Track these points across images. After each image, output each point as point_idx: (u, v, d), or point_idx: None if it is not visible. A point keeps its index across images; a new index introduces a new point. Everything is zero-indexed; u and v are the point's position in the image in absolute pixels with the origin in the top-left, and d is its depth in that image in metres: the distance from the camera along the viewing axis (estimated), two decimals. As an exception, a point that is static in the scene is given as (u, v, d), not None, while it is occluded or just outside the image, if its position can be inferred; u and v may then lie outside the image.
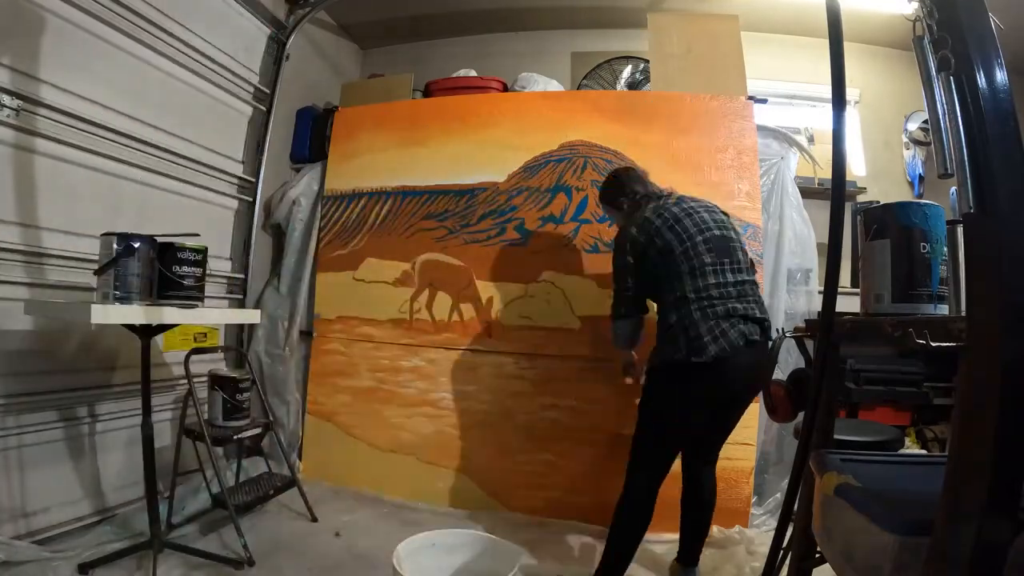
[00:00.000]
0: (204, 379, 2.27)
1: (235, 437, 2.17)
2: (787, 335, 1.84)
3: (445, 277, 2.76)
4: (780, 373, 1.86)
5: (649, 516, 1.74)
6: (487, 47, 3.62)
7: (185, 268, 1.77)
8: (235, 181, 2.87)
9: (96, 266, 1.65)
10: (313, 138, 3.18)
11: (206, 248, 1.86)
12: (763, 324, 1.74)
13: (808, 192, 2.82)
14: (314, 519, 2.31)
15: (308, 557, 2.01)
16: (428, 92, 3.13)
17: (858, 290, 2.92)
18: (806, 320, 2.23)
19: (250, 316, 2.64)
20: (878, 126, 3.36)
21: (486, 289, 2.69)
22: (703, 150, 2.58)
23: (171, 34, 2.34)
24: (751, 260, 1.87)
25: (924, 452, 2.50)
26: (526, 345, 2.61)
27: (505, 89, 3.05)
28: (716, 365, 1.64)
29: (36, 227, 1.93)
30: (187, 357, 2.14)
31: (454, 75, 3.14)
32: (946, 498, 0.77)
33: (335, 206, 2.99)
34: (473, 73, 3.14)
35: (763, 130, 2.63)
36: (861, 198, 3.17)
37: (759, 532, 2.29)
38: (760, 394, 1.87)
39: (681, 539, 1.95)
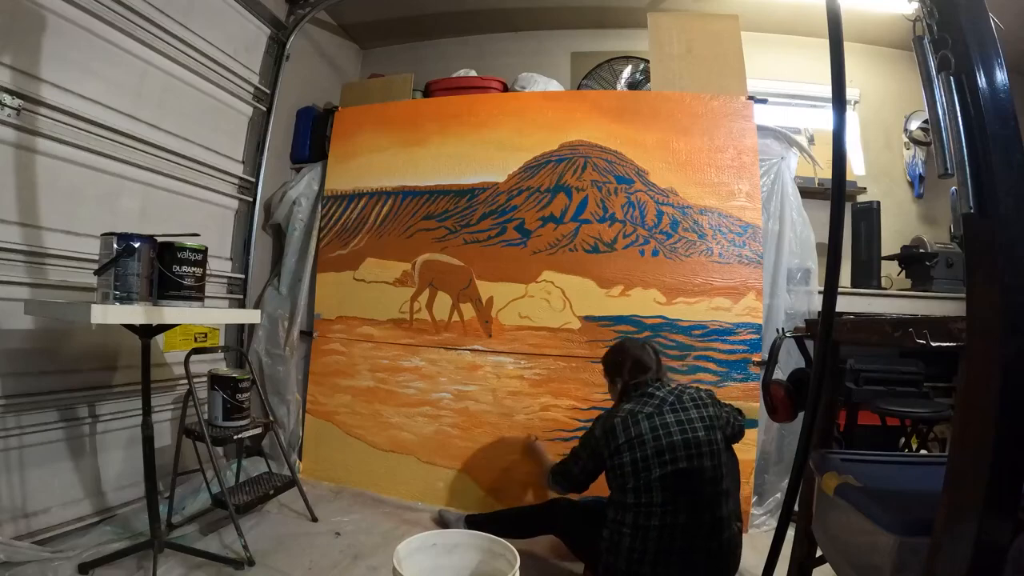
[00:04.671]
0: (204, 379, 2.26)
1: (235, 437, 2.16)
2: (787, 335, 1.84)
3: (445, 277, 2.76)
4: (780, 373, 1.87)
5: None
6: (487, 47, 3.62)
7: (185, 268, 1.76)
8: (235, 181, 2.88)
9: (96, 266, 1.64)
10: (313, 138, 3.18)
11: (206, 248, 1.86)
12: None
13: (808, 192, 2.82)
14: (314, 519, 2.31)
15: (308, 557, 2.01)
16: (428, 92, 3.13)
17: (858, 290, 2.92)
18: (806, 320, 2.24)
19: (250, 316, 2.64)
20: (878, 126, 3.36)
21: (486, 289, 2.69)
22: (703, 150, 2.58)
23: (171, 34, 2.34)
24: None
25: (924, 452, 2.50)
26: (526, 345, 2.61)
27: (505, 89, 3.05)
28: None
29: (37, 227, 1.94)
30: (187, 357, 2.14)
31: (454, 75, 3.14)
32: (946, 498, 0.77)
33: (335, 206, 2.99)
34: (473, 73, 3.14)
35: (763, 130, 2.63)
36: (861, 198, 3.17)
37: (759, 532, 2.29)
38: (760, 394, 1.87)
39: None
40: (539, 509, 2.05)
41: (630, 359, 1.89)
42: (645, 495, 1.66)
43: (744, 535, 2.30)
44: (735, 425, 1.86)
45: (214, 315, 2.41)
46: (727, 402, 1.93)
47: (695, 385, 1.89)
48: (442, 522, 2.32)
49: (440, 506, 2.54)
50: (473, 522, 2.11)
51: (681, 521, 1.63)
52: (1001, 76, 0.73)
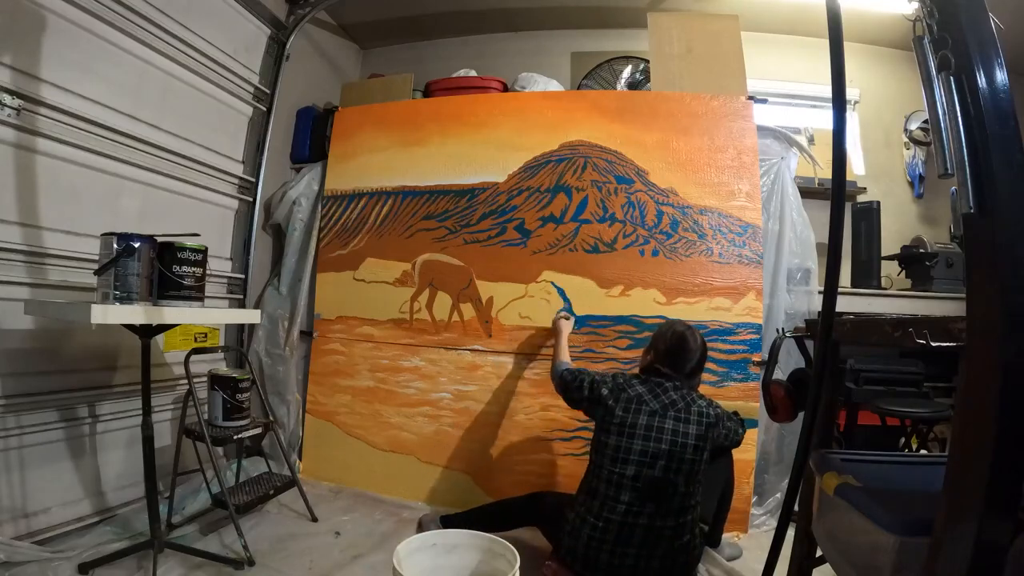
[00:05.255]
0: (204, 379, 2.26)
1: (235, 437, 2.16)
2: (787, 335, 1.84)
3: (445, 277, 2.76)
4: (780, 373, 1.87)
5: None
6: (487, 47, 3.61)
7: (185, 268, 1.77)
8: (235, 181, 2.88)
9: (96, 266, 1.65)
10: (313, 138, 3.18)
11: (206, 248, 1.86)
12: None
13: (808, 192, 2.82)
14: (314, 519, 2.31)
15: (308, 557, 2.01)
16: (428, 92, 3.13)
17: (858, 290, 2.93)
18: (806, 320, 2.24)
19: (250, 316, 2.64)
20: (878, 126, 3.36)
21: (486, 289, 2.69)
22: (703, 150, 2.58)
23: (171, 34, 2.34)
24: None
25: (924, 452, 2.50)
26: (526, 345, 2.61)
27: (505, 89, 3.05)
28: None
29: (37, 227, 1.94)
30: (187, 357, 2.14)
31: (454, 75, 3.13)
32: (946, 498, 0.77)
33: (335, 206, 2.99)
34: (473, 73, 3.14)
35: (763, 130, 2.63)
36: (861, 198, 3.17)
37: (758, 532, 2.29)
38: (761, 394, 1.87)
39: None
40: (522, 502, 2.06)
41: (668, 350, 1.86)
42: (615, 489, 1.70)
43: (744, 535, 2.32)
44: (733, 440, 1.87)
45: (214, 315, 2.40)
46: (732, 411, 1.92)
47: (710, 398, 1.87)
48: (421, 529, 2.20)
49: (440, 507, 2.55)
50: (448, 523, 2.09)
51: (642, 523, 1.67)
52: (1001, 76, 0.73)
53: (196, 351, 2.22)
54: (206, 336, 2.43)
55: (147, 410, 1.81)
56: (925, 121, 3.01)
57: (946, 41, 0.76)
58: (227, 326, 2.88)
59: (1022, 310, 0.68)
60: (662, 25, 2.79)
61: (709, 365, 2.42)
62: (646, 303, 2.51)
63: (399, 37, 3.75)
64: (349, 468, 2.75)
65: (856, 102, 3.32)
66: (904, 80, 3.27)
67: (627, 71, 3.10)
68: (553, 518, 1.90)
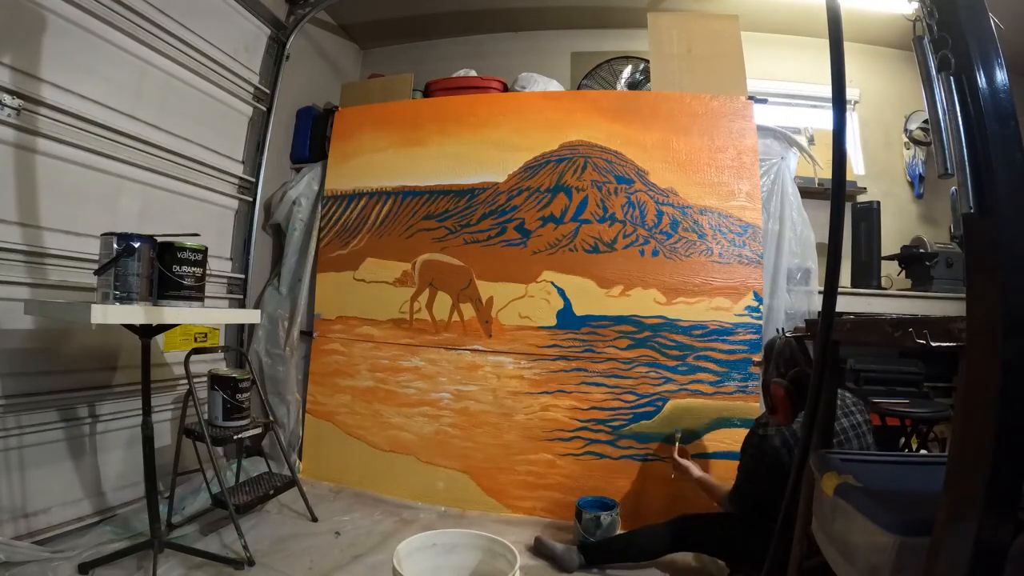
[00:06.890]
0: (204, 379, 2.26)
1: (235, 437, 2.16)
2: (787, 335, 1.83)
3: (445, 277, 2.76)
4: (780, 373, 1.86)
5: None
6: (487, 47, 3.62)
7: (185, 268, 1.76)
8: (235, 181, 2.88)
9: (96, 266, 1.64)
10: (313, 138, 3.19)
11: (206, 248, 1.86)
12: None
13: (808, 192, 2.82)
14: (314, 519, 2.31)
15: (308, 557, 2.01)
16: (428, 92, 3.13)
17: (858, 290, 2.93)
18: (806, 320, 2.24)
19: (250, 316, 2.65)
20: (878, 126, 3.36)
21: (486, 289, 2.69)
22: (703, 150, 2.58)
23: (171, 34, 2.34)
24: None
25: (924, 452, 2.50)
26: (526, 345, 2.61)
27: (505, 89, 3.05)
28: None
29: (37, 227, 1.94)
30: (187, 357, 2.14)
31: (454, 75, 3.14)
32: (946, 498, 0.77)
33: (335, 206, 2.99)
34: (473, 73, 3.14)
35: (763, 130, 2.63)
36: (861, 198, 3.17)
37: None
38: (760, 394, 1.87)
39: None
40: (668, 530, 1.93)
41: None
42: None
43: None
44: None
45: (214, 315, 2.41)
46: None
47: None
48: (546, 550, 2.07)
49: (445, 506, 2.55)
50: (591, 552, 2.00)
51: None
52: (1001, 76, 0.73)
53: (196, 351, 2.22)
54: (206, 336, 2.43)
55: (147, 410, 1.81)
56: (925, 121, 3.01)
57: (946, 41, 0.76)
58: (227, 326, 2.88)
59: (1022, 310, 0.68)
60: (662, 25, 2.79)
61: (709, 365, 2.43)
62: (646, 303, 2.51)
63: (399, 37, 3.75)
64: (349, 468, 2.75)
65: (856, 102, 3.32)
66: (904, 80, 3.27)
67: (627, 71, 3.10)
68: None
